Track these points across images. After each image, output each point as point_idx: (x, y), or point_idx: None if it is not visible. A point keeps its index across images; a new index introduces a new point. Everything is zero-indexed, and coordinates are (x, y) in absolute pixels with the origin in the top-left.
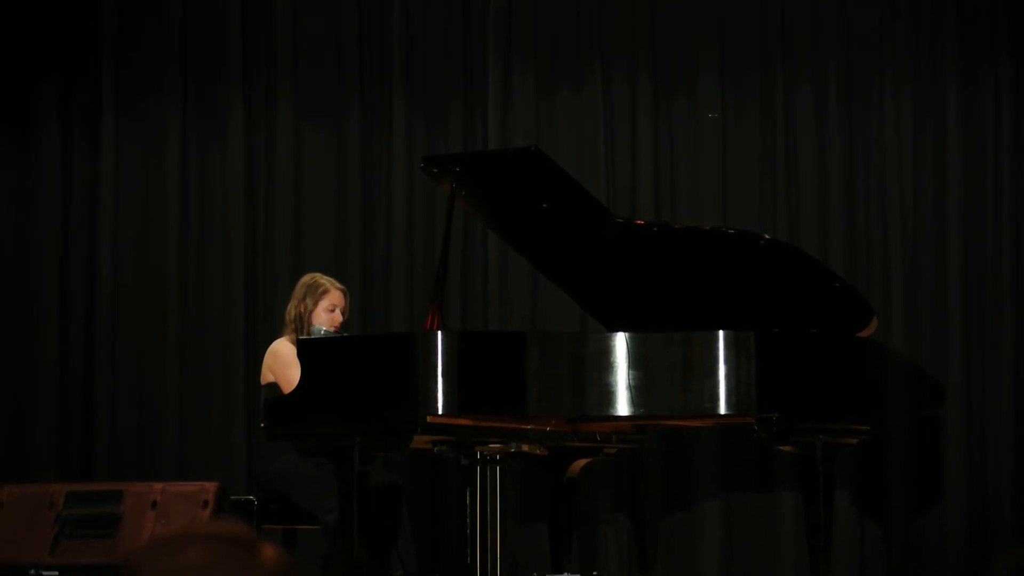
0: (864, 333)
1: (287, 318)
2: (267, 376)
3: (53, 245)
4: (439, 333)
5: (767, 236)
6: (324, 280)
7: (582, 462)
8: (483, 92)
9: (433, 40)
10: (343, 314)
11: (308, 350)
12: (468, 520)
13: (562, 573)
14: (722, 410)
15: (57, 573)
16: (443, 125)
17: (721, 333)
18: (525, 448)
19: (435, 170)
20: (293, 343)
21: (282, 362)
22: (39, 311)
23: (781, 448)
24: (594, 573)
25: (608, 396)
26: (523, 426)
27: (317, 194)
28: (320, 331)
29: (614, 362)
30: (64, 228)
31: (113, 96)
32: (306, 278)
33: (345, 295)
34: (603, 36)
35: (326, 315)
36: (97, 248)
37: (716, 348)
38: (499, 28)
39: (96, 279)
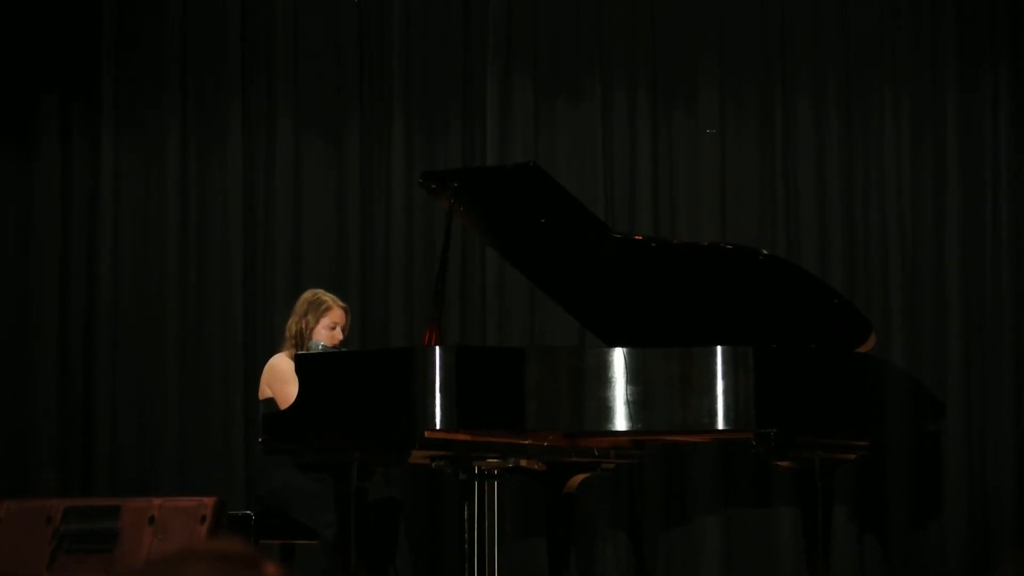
0: (862, 349)
1: (287, 333)
2: (265, 392)
3: (53, 252)
4: (437, 348)
5: (765, 252)
6: (327, 297)
7: (580, 477)
8: (482, 102)
9: (433, 49)
10: (343, 331)
11: (306, 365)
12: (466, 535)
13: None
14: (720, 425)
15: None
16: (442, 135)
17: (719, 348)
18: (523, 463)
19: (433, 186)
20: (292, 358)
21: (280, 378)
22: (39, 317)
23: (779, 463)
24: None
25: (606, 411)
26: (521, 441)
27: (316, 201)
28: (318, 346)
29: (612, 377)
30: (64, 235)
31: (113, 104)
32: (308, 294)
33: (346, 313)
34: (602, 47)
35: (327, 332)
36: (97, 255)
37: (714, 363)
38: (499, 38)
39: (96, 285)
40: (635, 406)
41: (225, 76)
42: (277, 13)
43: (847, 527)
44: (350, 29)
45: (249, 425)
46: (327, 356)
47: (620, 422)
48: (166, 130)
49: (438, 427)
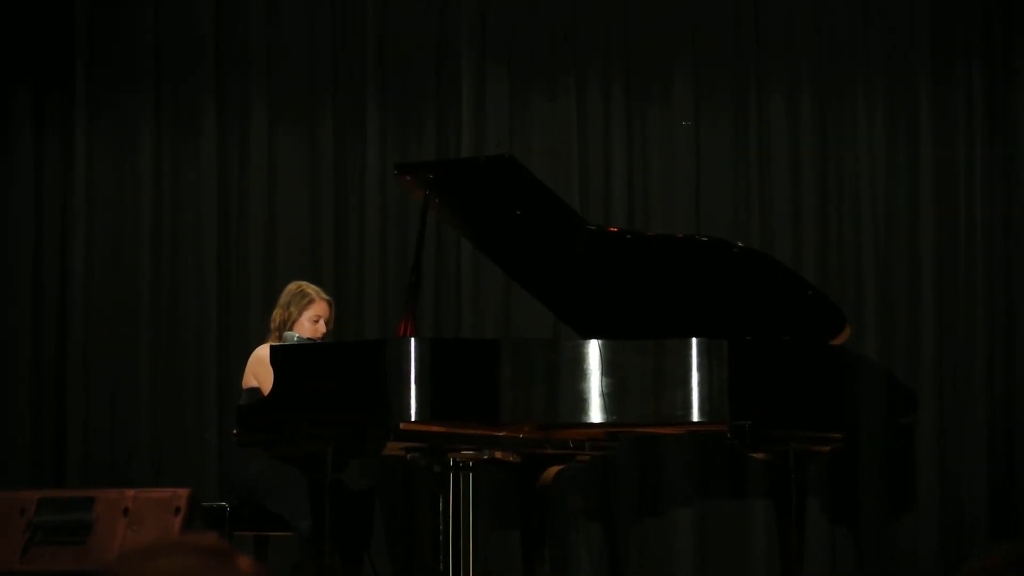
0: (837, 341)
1: (272, 324)
2: (250, 381)
3: (27, 244)
4: (412, 340)
5: (740, 244)
6: (311, 290)
7: (555, 469)
8: (457, 98)
9: (407, 42)
10: (327, 325)
11: (280, 357)
12: (440, 527)
13: None
14: (694, 418)
15: None
16: (416, 130)
17: (694, 341)
18: (498, 455)
19: (408, 177)
20: None
21: (266, 367)
22: (12, 308)
23: (753, 456)
24: None
25: (581, 403)
26: (496, 433)
27: (290, 198)
28: (293, 338)
29: (587, 369)
30: (37, 231)
31: (86, 95)
32: (292, 286)
33: (330, 306)
34: (577, 41)
35: (309, 325)
36: (70, 247)
37: (689, 356)
38: (473, 34)
39: (69, 277)
40: (610, 398)
41: (199, 68)
42: (251, 16)
43: (820, 519)
44: (324, 21)
45: (223, 417)
46: (301, 348)
47: (595, 414)
48: (140, 122)
49: (412, 419)
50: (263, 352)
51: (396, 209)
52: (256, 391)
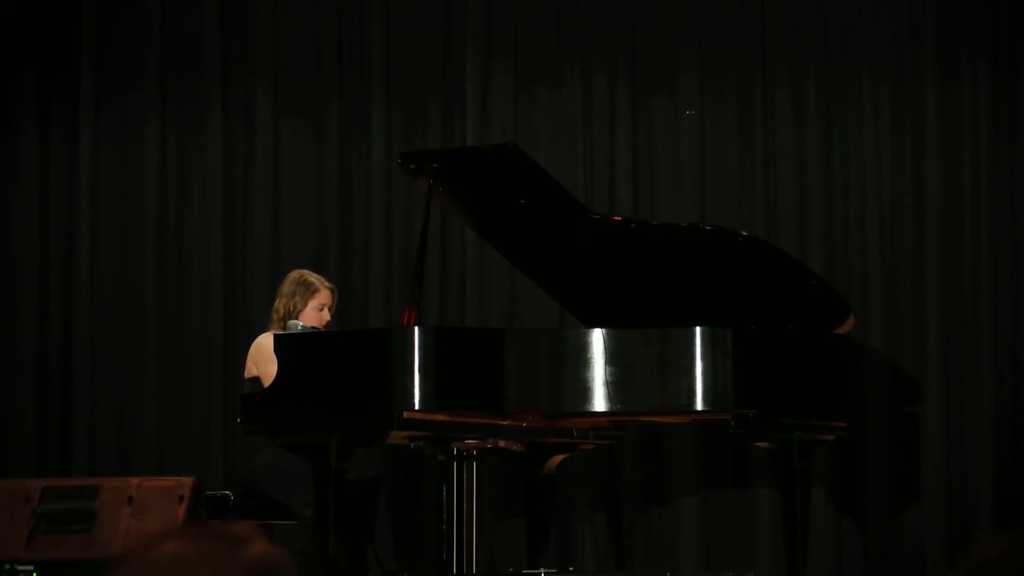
0: (841, 330)
1: (275, 315)
2: (251, 370)
3: (32, 243)
4: (416, 329)
5: (744, 233)
6: (314, 278)
7: (559, 458)
8: (462, 89)
9: (413, 37)
10: (331, 312)
11: (284, 345)
12: (444, 516)
13: (539, 569)
14: (699, 406)
15: (32, 568)
16: (422, 122)
17: (698, 329)
18: (502, 444)
19: (412, 167)
20: None
21: (266, 356)
22: (19, 301)
23: (758, 444)
24: (571, 569)
25: (585, 392)
26: (500, 422)
27: (296, 191)
28: (297, 326)
29: (591, 358)
30: (42, 225)
31: (92, 94)
32: (295, 275)
33: (333, 293)
34: (582, 33)
35: (315, 313)
36: (76, 240)
37: (693, 345)
38: (479, 25)
39: (75, 270)
40: (614, 387)
41: (204, 63)
42: (257, 9)
43: (825, 508)
44: (330, 26)
45: (228, 406)
46: (306, 336)
47: (599, 403)
48: (145, 118)
49: (416, 408)
50: (263, 341)
51: (401, 202)
52: (257, 381)
